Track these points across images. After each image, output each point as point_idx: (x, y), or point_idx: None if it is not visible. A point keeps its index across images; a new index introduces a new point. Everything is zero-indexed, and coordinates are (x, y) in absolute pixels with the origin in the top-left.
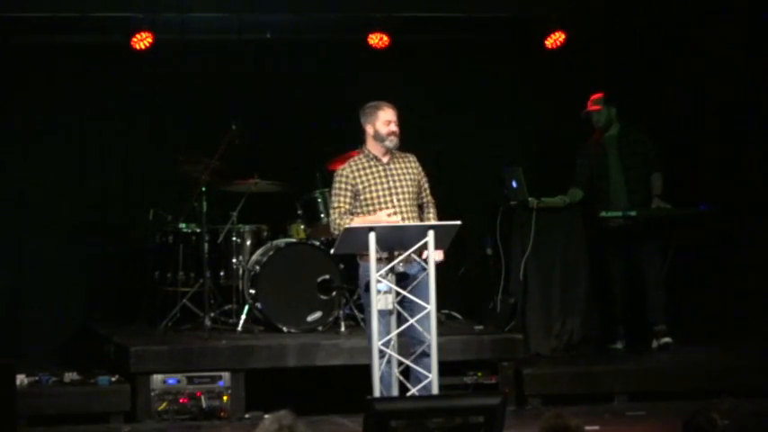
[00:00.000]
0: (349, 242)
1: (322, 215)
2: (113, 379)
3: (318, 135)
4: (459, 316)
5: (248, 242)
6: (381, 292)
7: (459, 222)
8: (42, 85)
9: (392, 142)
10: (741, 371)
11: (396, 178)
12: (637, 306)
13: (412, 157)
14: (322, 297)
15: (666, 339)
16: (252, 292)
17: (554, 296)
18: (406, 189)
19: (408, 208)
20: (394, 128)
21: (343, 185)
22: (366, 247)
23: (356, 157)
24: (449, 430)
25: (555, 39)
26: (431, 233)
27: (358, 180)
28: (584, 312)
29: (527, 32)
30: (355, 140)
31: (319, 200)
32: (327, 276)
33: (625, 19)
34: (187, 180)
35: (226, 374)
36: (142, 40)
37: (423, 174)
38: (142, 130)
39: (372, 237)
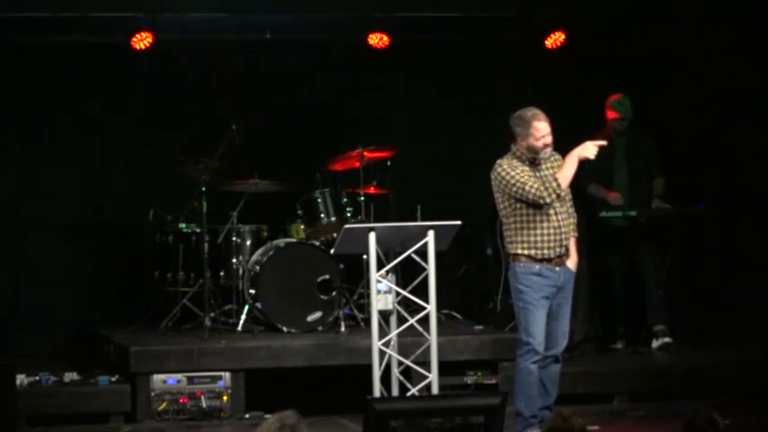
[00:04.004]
0: (349, 242)
1: (322, 215)
2: (113, 379)
3: (318, 135)
4: (459, 316)
5: (248, 242)
6: (381, 292)
7: (459, 222)
8: (42, 85)
9: (546, 153)
10: (741, 371)
11: (547, 179)
12: (637, 306)
13: (557, 156)
14: (322, 297)
15: (666, 339)
16: (252, 292)
17: None
18: None
19: (564, 206)
20: (548, 140)
21: (518, 167)
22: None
23: (508, 157)
24: (449, 430)
25: (555, 39)
26: (431, 233)
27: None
28: (585, 312)
29: (527, 32)
30: (354, 140)
31: (319, 200)
32: (327, 276)
33: (625, 19)
34: (187, 180)
35: (226, 374)
36: (142, 40)
37: None
38: (142, 129)
39: (372, 237)
